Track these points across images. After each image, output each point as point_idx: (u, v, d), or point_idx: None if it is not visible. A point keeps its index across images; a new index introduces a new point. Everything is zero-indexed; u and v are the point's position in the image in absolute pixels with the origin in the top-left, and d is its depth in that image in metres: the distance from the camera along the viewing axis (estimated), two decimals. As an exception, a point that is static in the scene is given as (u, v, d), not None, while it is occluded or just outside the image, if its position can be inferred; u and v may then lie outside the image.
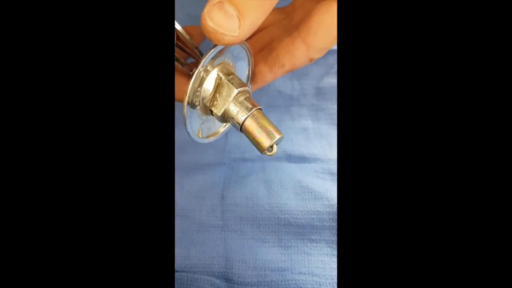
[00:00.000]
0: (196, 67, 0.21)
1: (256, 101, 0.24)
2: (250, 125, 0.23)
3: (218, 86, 0.23)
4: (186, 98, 0.22)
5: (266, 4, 0.19)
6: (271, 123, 0.23)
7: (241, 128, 0.23)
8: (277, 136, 0.23)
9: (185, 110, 0.22)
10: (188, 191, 0.34)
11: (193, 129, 0.24)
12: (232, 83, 0.23)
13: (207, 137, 0.27)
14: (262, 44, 0.28)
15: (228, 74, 0.24)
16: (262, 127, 0.23)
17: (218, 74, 0.23)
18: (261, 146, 0.23)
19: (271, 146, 0.23)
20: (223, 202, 0.33)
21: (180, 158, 0.34)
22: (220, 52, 0.22)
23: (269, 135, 0.23)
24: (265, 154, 0.23)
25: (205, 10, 0.19)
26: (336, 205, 0.32)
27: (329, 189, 0.33)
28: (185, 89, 0.23)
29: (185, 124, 0.23)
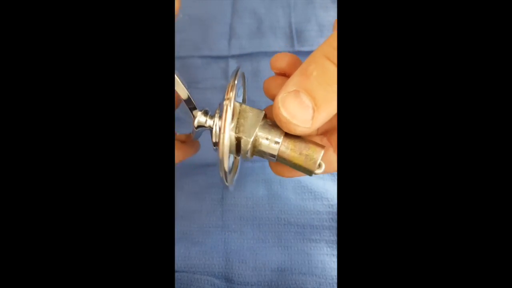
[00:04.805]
0: (226, 105, 0.19)
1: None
2: (288, 147, 0.20)
3: (240, 113, 0.21)
4: (227, 138, 0.19)
5: None
6: (307, 139, 0.20)
7: (278, 154, 0.20)
8: (322, 151, 0.20)
9: (226, 153, 0.19)
10: (188, 192, 0.34)
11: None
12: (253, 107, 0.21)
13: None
14: (327, 126, 0.24)
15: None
16: (301, 146, 0.20)
17: (236, 103, 0.21)
18: (307, 168, 0.20)
19: (319, 165, 0.20)
20: (223, 202, 0.33)
21: (180, 159, 0.34)
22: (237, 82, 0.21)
23: (312, 150, 0.20)
24: (314, 174, 0.20)
25: (279, 96, 0.18)
26: (335, 205, 0.32)
27: (329, 189, 0.33)
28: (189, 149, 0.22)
29: (225, 180, 0.21)
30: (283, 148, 0.20)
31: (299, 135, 0.19)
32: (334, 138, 0.23)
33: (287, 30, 0.43)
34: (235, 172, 0.26)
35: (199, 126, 0.22)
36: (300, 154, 0.20)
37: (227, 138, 0.19)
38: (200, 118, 0.21)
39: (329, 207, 0.32)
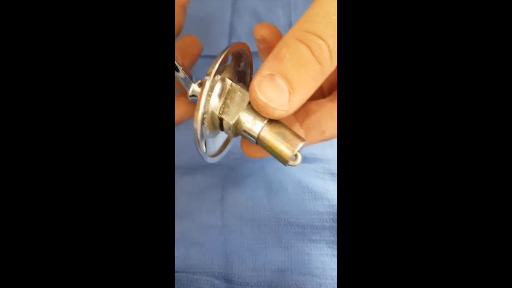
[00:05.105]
0: (209, 75, 0.19)
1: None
2: (268, 134, 0.20)
3: (228, 93, 0.21)
4: (200, 114, 0.19)
5: (318, 78, 0.18)
6: (290, 129, 0.21)
7: (258, 138, 0.21)
8: (300, 144, 0.20)
9: (198, 129, 0.20)
10: (188, 191, 0.33)
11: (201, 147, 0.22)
12: (244, 89, 0.21)
13: (213, 156, 0.25)
14: None
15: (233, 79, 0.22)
16: (281, 135, 0.20)
17: (227, 80, 0.21)
18: (283, 157, 0.20)
19: (295, 155, 0.20)
20: (222, 202, 0.33)
21: (180, 158, 0.34)
22: (225, 57, 0.21)
23: (291, 143, 0.20)
24: (288, 165, 0.21)
25: (255, 81, 0.18)
26: (336, 206, 0.32)
27: (329, 189, 0.32)
28: (182, 110, 0.22)
29: (197, 145, 0.21)
30: (263, 134, 0.20)
31: (278, 118, 0.20)
32: (300, 113, 0.23)
33: (287, 30, 0.43)
34: (225, 147, 0.27)
35: (192, 96, 0.22)
36: (279, 142, 0.20)
37: (201, 115, 0.20)
38: (194, 87, 0.22)
39: (329, 207, 0.32)
